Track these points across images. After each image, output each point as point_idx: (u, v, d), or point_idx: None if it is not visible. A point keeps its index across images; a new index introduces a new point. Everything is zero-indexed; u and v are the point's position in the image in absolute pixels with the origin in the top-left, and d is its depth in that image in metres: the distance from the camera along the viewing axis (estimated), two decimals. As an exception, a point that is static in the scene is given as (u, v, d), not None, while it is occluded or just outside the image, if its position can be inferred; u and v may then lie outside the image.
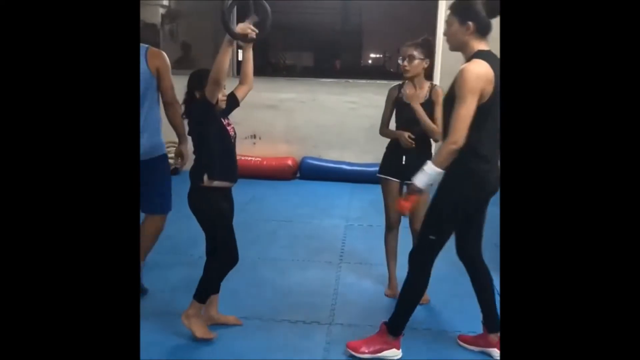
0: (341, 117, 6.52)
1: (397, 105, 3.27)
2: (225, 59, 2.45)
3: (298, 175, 6.47)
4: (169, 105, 3.15)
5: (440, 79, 6.10)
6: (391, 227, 3.37)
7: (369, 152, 6.45)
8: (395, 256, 3.39)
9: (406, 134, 3.16)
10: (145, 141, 3.03)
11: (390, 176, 3.31)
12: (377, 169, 6.04)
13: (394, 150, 3.28)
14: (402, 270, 3.28)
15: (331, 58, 7.20)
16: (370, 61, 7.52)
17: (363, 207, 5.31)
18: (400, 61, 3.15)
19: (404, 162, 3.20)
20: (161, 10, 7.57)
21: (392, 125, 3.37)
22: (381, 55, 7.64)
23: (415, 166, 2.69)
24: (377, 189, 5.88)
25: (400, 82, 3.29)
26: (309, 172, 6.37)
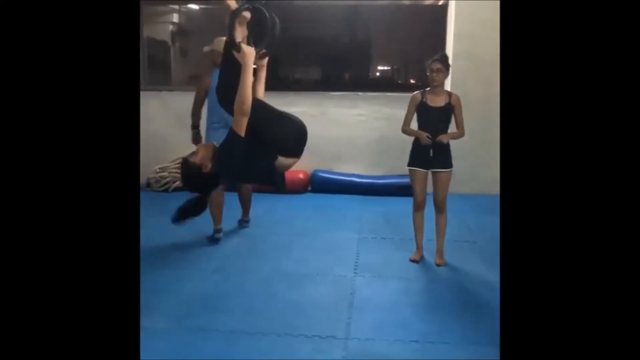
0: (351, 130, 6.53)
1: (420, 108, 3.97)
2: (250, 88, 2.42)
3: (309, 188, 6.47)
4: None
5: (451, 85, 6.12)
6: (419, 208, 4.11)
7: (379, 164, 6.46)
8: (423, 230, 4.16)
9: (424, 134, 3.86)
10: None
11: (419, 167, 4.00)
12: (388, 181, 6.20)
13: (421, 146, 3.92)
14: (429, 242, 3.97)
15: (340, 71, 7.22)
16: (378, 73, 7.53)
17: (375, 220, 5.30)
18: (428, 73, 3.91)
19: (431, 155, 3.92)
20: (171, 27, 7.65)
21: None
22: (389, 68, 7.65)
23: (440, 157, 3.94)
24: (389, 202, 5.93)
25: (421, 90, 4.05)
26: (320, 185, 6.37)
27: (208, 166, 2.47)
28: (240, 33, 2.51)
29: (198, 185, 2.56)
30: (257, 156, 2.47)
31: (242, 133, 2.41)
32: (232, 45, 2.46)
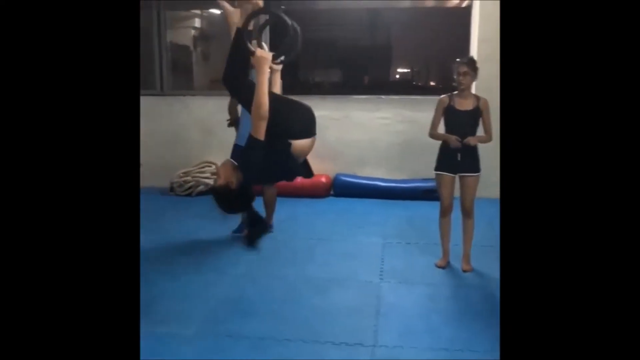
0: (374, 133, 6.48)
1: (448, 112, 3.93)
2: (266, 91, 2.40)
3: (332, 192, 6.44)
4: None
5: (476, 89, 6.05)
6: (445, 213, 4.08)
7: (403, 168, 6.41)
8: (449, 235, 4.12)
9: (454, 137, 3.82)
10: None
11: (446, 172, 3.95)
12: (412, 185, 6.13)
13: (448, 150, 3.89)
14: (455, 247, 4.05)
15: (359, 74, 7.19)
16: (397, 76, 7.48)
17: (400, 225, 5.25)
18: (455, 76, 3.87)
19: (459, 159, 3.87)
20: (193, 32, 7.70)
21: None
22: (409, 70, 7.59)
23: (468, 161, 3.90)
24: (414, 206, 5.88)
25: (449, 93, 4.00)
26: (342, 189, 6.33)
27: (234, 182, 2.48)
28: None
29: (235, 203, 2.57)
30: (276, 150, 2.46)
31: (262, 137, 2.40)
32: (241, 36, 2.48)
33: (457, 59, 3.91)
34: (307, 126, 2.59)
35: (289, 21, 2.51)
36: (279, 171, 2.60)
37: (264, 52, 2.46)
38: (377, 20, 7.07)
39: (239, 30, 2.51)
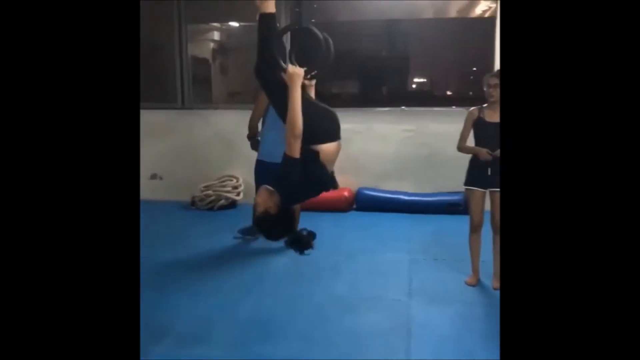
0: (397, 146, 6.38)
1: (477, 124, 3.85)
2: (300, 109, 2.35)
3: (354, 206, 6.34)
4: None
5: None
6: (475, 230, 3.94)
7: (427, 181, 6.28)
8: (479, 252, 3.97)
9: (484, 150, 3.72)
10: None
11: (477, 187, 3.84)
12: (436, 199, 6.01)
13: (478, 163, 3.78)
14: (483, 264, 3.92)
15: (379, 85, 7.11)
16: (414, 86, 7.38)
17: (425, 240, 5.13)
18: (485, 89, 3.80)
19: (489, 173, 3.75)
20: (212, 45, 7.70)
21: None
22: (426, 80, 7.49)
23: (499, 176, 3.54)
24: (439, 220, 5.77)
25: (479, 106, 3.92)
26: (365, 203, 6.22)
27: (272, 207, 2.42)
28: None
29: (278, 228, 2.51)
30: (307, 163, 2.39)
31: (297, 155, 2.35)
32: (265, 21, 2.46)
33: (474, 69, 3.85)
34: (331, 129, 2.53)
35: (320, 35, 2.45)
36: (313, 185, 2.54)
37: (296, 68, 2.41)
38: (397, 31, 7.01)
39: (261, 16, 2.45)
